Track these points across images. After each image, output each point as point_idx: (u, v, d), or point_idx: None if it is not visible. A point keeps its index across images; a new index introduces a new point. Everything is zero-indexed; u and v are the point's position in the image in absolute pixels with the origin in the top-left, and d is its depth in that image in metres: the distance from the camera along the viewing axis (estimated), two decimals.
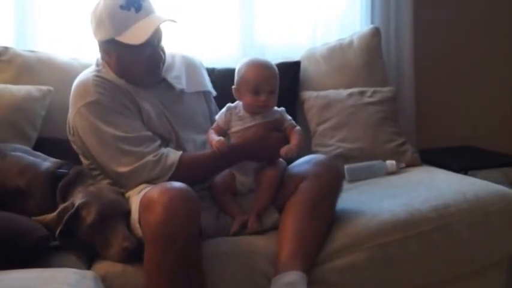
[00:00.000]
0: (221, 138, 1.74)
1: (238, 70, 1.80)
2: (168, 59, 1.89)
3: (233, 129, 1.79)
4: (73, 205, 1.59)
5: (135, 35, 1.68)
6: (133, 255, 1.54)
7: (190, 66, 1.99)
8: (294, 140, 1.77)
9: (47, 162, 1.74)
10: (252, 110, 1.78)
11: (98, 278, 1.48)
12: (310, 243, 1.64)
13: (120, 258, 1.56)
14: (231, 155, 1.73)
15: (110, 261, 1.58)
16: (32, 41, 2.34)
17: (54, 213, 1.60)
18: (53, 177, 1.69)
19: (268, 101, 1.75)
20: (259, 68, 1.77)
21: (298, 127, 1.82)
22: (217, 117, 1.82)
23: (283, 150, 1.72)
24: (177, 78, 1.90)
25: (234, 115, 1.79)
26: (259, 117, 1.78)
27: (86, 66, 1.99)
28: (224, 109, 1.82)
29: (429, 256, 1.76)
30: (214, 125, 1.82)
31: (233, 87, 1.81)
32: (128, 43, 1.69)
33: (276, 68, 1.81)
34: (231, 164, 1.78)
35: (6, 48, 2.17)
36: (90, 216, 1.57)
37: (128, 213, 1.62)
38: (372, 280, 1.71)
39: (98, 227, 1.57)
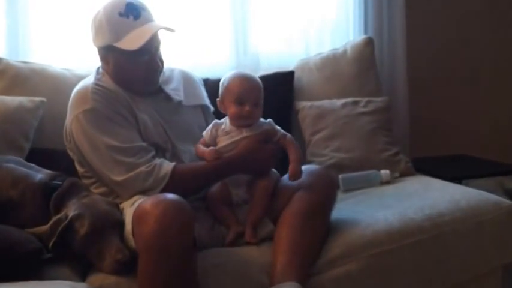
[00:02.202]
0: (212, 148, 1.74)
1: (222, 82, 1.80)
2: (167, 72, 1.92)
3: (220, 145, 1.77)
4: (66, 217, 1.58)
5: (132, 41, 1.71)
6: (126, 267, 1.53)
7: (188, 80, 2.01)
8: (292, 155, 1.74)
9: (40, 174, 1.73)
10: (238, 123, 1.77)
11: None
12: (305, 253, 1.64)
13: (113, 270, 1.55)
14: (223, 168, 1.73)
15: (104, 273, 1.56)
16: (25, 51, 2.34)
17: (47, 225, 1.59)
18: (46, 189, 1.68)
19: (253, 112, 1.75)
20: (243, 79, 1.77)
21: (289, 135, 1.81)
22: (204, 133, 1.82)
23: (290, 176, 1.70)
24: (175, 90, 1.92)
25: (220, 131, 1.79)
26: (247, 131, 1.77)
27: (79, 77, 1.99)
28: (210, 125, 1.82)
29: (424, 265, 1.76)
30: (201, 139, 1.82)
31: (217, 99, 1.81)
32: (125, 49, 1.71)
33: (260, 82, 1.80)
34: (223, 177, 1.77)
35: None
36: (83, 228, 1.56)
37: (121, 224, 1.61)
38: None
39: (91, 238, 1.56)
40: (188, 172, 1.74)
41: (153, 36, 1.73)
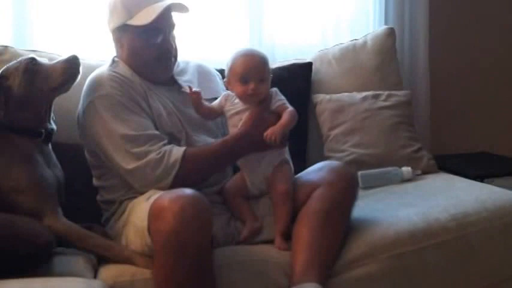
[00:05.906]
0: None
1: (227, 63, 1.79)
2: (181, 64, 1.93)
3: (228, 113, 1.78)
4: None
5: (143, 17, 1.73)
6: None
7: (204, 73, 2.01)
8: (282, 119, 1.71)
9: None
10: (245, 101, 1.76)
11: None
12: (325, 253, 1.61)
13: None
14: (234, 145, 1.71)
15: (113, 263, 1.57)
16: (31, 40, 2.30)
17: None
18: None
19: (258, 89, 1.72)
20: (245, 56, 1.76)
21: (291, 108, 1.76)
22: (214, 102, 1.82)
23: (267, 132, 1.67)
24: (188, 82, 1.90)
25: (228, 101, 1.79)
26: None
27: (88, 67, 1.94)
28: (222, 95, 1.82)
29: (447, 267, 1.73)
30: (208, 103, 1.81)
31: (224, 80, 1.82)
32: (136, 25, 1.73)
33: (265, 56, 1.78)
34: (236, 156, 1.75)
35: (5, 48, 2.08)
36: None
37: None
38: None
39: None
40: (199, 155, 1.71)
41: (165, 14, 1.73)
